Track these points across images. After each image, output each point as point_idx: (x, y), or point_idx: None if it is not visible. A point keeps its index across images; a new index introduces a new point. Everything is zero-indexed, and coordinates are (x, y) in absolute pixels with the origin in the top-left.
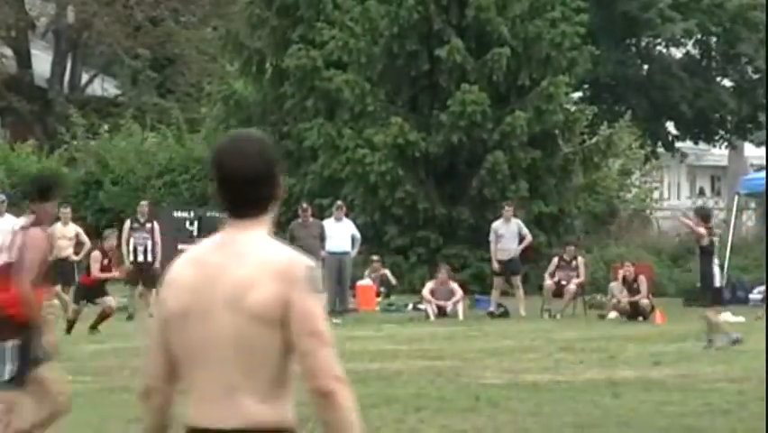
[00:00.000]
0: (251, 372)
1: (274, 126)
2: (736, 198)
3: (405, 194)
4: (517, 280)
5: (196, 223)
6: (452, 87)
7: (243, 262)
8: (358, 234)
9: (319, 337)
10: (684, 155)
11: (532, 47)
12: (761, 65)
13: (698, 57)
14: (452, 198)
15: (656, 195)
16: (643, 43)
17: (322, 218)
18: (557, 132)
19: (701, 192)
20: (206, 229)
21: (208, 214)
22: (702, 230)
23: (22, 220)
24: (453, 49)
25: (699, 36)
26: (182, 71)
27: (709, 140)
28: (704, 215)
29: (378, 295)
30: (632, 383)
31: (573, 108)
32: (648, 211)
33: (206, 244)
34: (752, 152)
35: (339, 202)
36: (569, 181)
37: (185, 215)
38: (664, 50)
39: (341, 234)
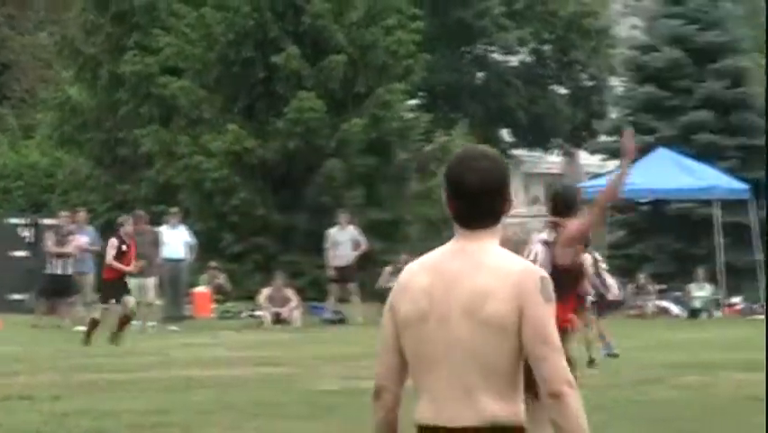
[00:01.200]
0: (486, 373)
1: (109, 132)
2: None
3: (241, 201)
4: (354, 286)
5: (31, 230)
6: (289, 94)
7: (481, 271)
8: (193, 241)
9: (551, 345)
10: (519, 162)
11: (368, 54)
12: (595, 72)
13: (532, 64)
14: (288, 204)
15: None
16: (478, 51)
17: (158, 225)
18: (393, 139)
19: (536, 199)
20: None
21: (44, 221)
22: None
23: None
24: (290, 56)
25: (533, 44)
26: (17, 77)
27: (544, 147)
28: None
29: (214, 302)
30: None
31: (409, 116)
32: None
33: (440, 252)
34: (586, 159)
35: (174, 209)
36: (404, 188)
37: (19, 221)
38: (499, 58)
39: (176, 240)
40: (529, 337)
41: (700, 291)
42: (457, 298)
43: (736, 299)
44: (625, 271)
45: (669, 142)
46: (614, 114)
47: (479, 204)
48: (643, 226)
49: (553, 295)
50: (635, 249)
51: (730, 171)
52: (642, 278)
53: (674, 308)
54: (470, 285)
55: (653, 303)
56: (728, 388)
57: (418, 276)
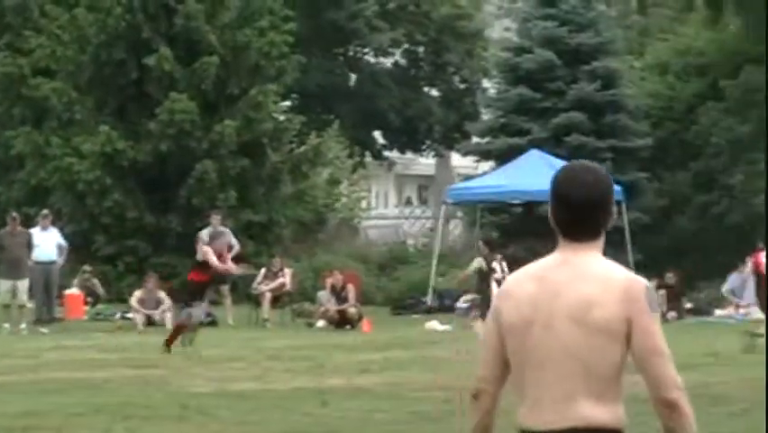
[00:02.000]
0: (589, 378)
1: None
2: (443, 207)
3: (113, 202)
4: (226, 289)
5: None
6: (161, 96)
7: (586, 280)
8: (64, 243)
9: (660, 353)
10: (392, 164)
11: (241, 56)
12: (467, 75)
13: (405, 66)
14: (160, 206)
15: (364, 204)
16: (351, 53)
17: (29, 227)
18: (266, 141)
19: (408, 201)
20: None
21: None
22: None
23: None
24: (162, 57)
25: (407, 46)
26: None
27: (417, 149)
28: (490, 242)
29: (85, 304)
30: (340, 391)
31: (282, 117)
32: (356, 220)
33: (545, 262)
34: (458, 161)
35: (45, 211)
36: (277, 190)
37: None
38: (372, 60)
39: (47, 243)
40: (638, 347)
41: None
42: (561, 306)
43: None
44: None
45: (541, 144)
46: (486, 115)
47: (583, 217)
48: (515, 228)
49: (658, 304)
50: (507, 251)
51: None
52: None
53: None
54: (574, 294)
55: None
56: None
57: (523, 284)
